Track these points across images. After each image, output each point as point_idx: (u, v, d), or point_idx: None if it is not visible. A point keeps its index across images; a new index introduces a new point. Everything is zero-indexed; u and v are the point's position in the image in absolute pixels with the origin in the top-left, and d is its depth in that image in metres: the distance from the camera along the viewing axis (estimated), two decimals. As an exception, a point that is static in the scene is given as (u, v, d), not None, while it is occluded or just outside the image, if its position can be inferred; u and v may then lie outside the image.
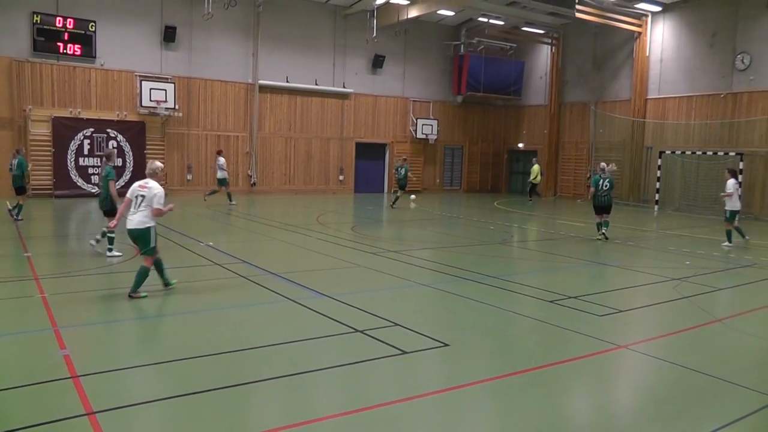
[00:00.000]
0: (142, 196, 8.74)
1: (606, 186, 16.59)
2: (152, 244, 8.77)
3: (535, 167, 29.81)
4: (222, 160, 22.72)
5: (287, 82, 28.37)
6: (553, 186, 32.82)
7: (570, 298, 9.53)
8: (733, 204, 15.87)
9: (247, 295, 9.23)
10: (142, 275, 8.69)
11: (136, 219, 8.72)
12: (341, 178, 30.48)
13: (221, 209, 21.30)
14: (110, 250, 11.81)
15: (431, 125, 32.37)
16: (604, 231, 16.53)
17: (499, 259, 13.40)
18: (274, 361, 6.47)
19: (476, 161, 35.26)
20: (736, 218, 15.99)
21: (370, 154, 31.59)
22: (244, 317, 8.09)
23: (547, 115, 32.98)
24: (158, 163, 9.06)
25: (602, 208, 16.63)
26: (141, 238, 8.73)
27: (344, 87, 30.01)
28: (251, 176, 27.76)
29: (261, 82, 27.56)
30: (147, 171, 9.02)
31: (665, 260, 13.90)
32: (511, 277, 11.14)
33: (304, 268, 11.62)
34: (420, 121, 32.07)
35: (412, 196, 26.27)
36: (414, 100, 32.43)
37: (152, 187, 8.77)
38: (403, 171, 24.64)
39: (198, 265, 11.41)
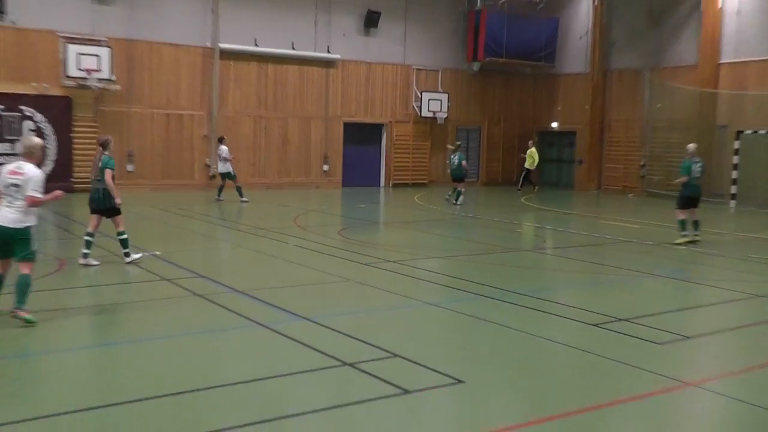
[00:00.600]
0: (15, 185, 8.41)
1: (698, 172, 17.04)
2: (33, 247, 8.56)
3: (532, 150, 31.22)
4: (224, 149, 23.45)
5: (256, 45, 28.33)
6: (596, 177, 32.83)
7: (619, 320, 9.45)
8: None
9: (205, 320, 9.14)
10: (26, 286, 8.46)
11: (10, 216, 8.39)
12: (325, 168, 30.46)
13: (172, 208, 21.22)
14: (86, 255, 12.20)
15: (440, 100, 32.40)
16: (697, 233, 16.77)
17: (527, 270, 13.32)
18: (240, 404, 6.38)
19: (497, 146, 35.25)
20: None
21: (362, 137, 31.58)
22: (202, 348, 7.99)
23: (588, 86, 33.01)
24: (36, 139, 8.77)
25: (694, 200, 17.04)
26: (18, 240, 8.47)
27: (329, 52, 29.98)
28: (210, 167, 27.70)
29: (223, 46, 27.53)
30: (21, 150, 8.72)
31: (745, 271, 13.83)
32: (543, 294, 11.07)
33: (278, 284, 11.53)
34: (426, 96, 32.08)
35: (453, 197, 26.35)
36: (418, 69, 32.41)
37: (27, 171, 8.45)
38: (456, 159, 24.78)
39: (140, 282, 11.32)
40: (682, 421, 6.53)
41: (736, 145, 26.79)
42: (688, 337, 8.89)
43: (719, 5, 28.19)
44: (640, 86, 31.18)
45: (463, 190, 24.85)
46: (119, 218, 12.38)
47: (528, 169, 31.15)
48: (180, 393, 6.53)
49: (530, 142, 31.83)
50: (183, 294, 10.38)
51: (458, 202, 24.35)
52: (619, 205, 25.40)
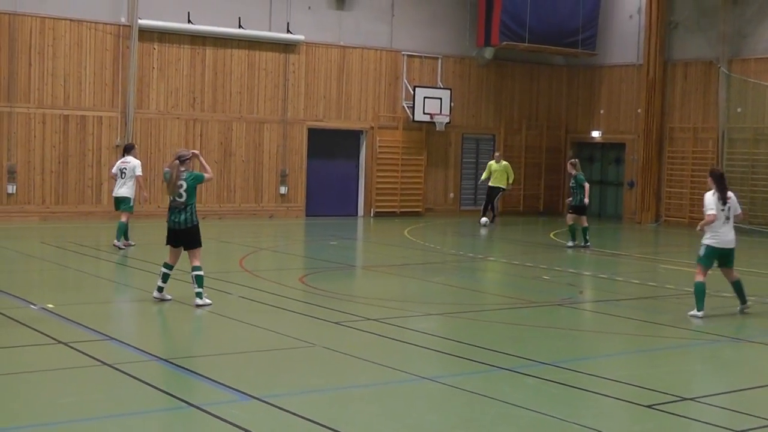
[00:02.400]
0: None
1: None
2: None
3: (495, 164, 30.48)
4: (135, 163, 21.31)
5: (189, 22, 28.46)
6: (653, 205, 32.97)
7: (684, 399, 9.52)
8: None
9: (114, 399, 9.07)
10: None
11: None
12: (283, 191, 30.48)
13: (70, 244, 21.16)
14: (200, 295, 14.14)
15: (440, 99, 32.56)
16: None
17: (557, 332, 13.35)
18: None
19: (518, 162, 35.36)
20: None
21: (334, 148, 31.70)
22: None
23: (641, 82, 33.31)
24: None
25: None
26: None
27: (289, 32, 30.16)
28: (124, 187, 27.67)
29: (143, 22, 27.63)
30: None
31: None
32: (578, 365, 11.12)
33: (216, 350, 11.49)
34: (421, 93, 32.24)
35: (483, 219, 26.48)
36: (410, 56, 32.64)
37: None
38: (573, 182, 24.50)
39: (25, 345, 11.25)
40: None
41: None
42: (776, 424, 8.97)
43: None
44: (714, 83, 31.48)
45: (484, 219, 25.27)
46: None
47: (494, 187, 30.25)
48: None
49: (496, 154, 31.53)
50: (84, 363, 10.34)
51: (588, 245, 24.17)
52: (684, 242, 25.48)
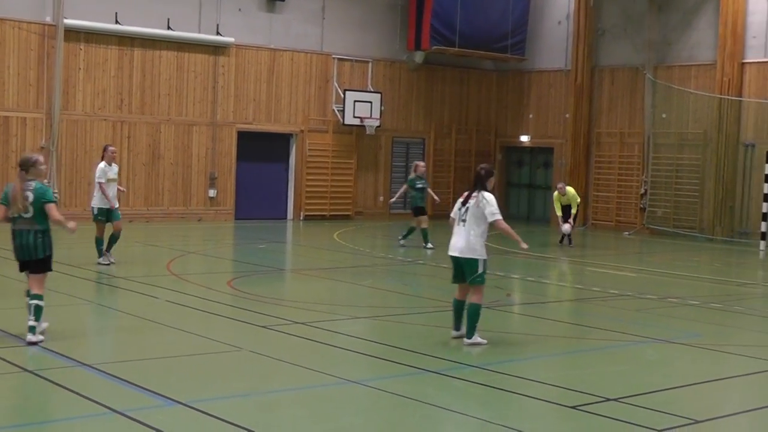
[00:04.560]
0: None
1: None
2: None
3: (559, 197, 26.57)
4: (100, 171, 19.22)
5: (116, 23, 28.18)
6: (582, 208, 33.19)
7: (608, 400, 9.60)
8: None
9: (38, 407, 8.99)
10: None
11: None
12: (212, 193, 30.31)
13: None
14: None
15: (370, 103, 32.60)
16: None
17: (485, 335, 13.38)
18: None
19: (448, 165, 35.54)
20: None
21: (263, 152, 31.61)
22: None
23: (569, 87, 33.63)
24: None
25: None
26: None
27: (219, 33, 30.00)
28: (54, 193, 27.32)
29: (69, 22, 27.29)
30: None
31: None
32: (506, 367, 11.18)
33: (141, 355, 11.41)
34: (351, 96, 32.26)
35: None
36: (341, 59, 32.63)
37: None
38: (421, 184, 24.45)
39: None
40: None
41: (767, 169, 27.29)
42: (698, 421, 9.04)
43: (743, -15, 29.11)
44: (640, 89, 31.88)
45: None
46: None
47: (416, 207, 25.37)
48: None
49: (560, 185, 26.99)
50: (8, 369, 10.19)
51: (428, 245, 23.98)
52: (611, 246, 25.78)
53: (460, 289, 12.27)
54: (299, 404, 9.42)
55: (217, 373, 10.53)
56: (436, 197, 25.45)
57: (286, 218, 32.13)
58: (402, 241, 24.28)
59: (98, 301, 15.11)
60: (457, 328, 12.31)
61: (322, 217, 31.98)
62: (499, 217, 11.94)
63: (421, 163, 25.34)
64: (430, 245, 23.77)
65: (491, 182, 12.32)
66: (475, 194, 12.05)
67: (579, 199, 26.58)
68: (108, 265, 18.59)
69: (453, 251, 12.14)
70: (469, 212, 11.97)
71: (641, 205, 31.26)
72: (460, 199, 12.31)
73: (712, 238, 28.98)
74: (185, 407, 8.89)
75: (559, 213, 26.12)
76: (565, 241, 25.58)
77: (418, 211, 24.05)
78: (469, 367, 10.91)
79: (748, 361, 12.04)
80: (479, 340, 12.01)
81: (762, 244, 27.10)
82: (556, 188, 26.55)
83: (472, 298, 12.03)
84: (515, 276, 20.38)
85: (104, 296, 15.58)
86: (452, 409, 9.20)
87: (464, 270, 12.08)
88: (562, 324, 14.81)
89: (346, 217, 32.40)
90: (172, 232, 26.52)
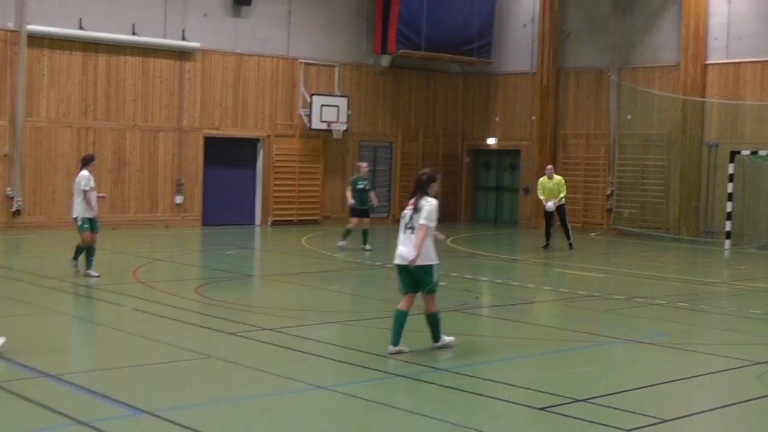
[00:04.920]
0: None
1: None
2: None
3: (547, 181, 26.34)
4: (85, 175, 18.47)
5: (81, 28, 28.03)
6: (548, 209, 33.40)
7: (577, 401, 9.62)
8: None
9: (2, 419, 8.88)
10: None
11: None
12: (179, 200, 30.20)
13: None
14: None
15: (337, 107, 32.57)
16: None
17: (455, 337, 13.42)
18: None
19: (415, 169, 35.42)
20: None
21: (230, 157, 31.53)
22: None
23: (535, 90, 33.78)
24: None
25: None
26: None
27: (184, 39, 29.91)
28: (13, 198, 27.18)
29: (32, 28, 27.13)
30: None
31: (744, 332, 14.29)
32: (475, 369, 11.20)
33: (108, 365, 11.34)
34: (318, 100, 32.21)
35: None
36: (307, 64, 32.59)
37: None
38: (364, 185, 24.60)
39: None
40: None
41: (731, 169, 27.59)
42: (666, 420, 9.10)
43: (706, -11, 29.31)
44: (605, 91, 32.03)
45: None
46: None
47: (358, 209, 24.92)
48: None
49: (549, 167, 27.09)
50: (-29, 381, 10.12)
51: (367, 246, 24.29)
52: (578, 247, 25.85)
53: (406, 299, 11.66)
54: (267, 411, 9.38)
55: (185, 381, 10.49)
56: (375, 201, 25.28)
57: (253, 224, 32.06)
58: (341, 243, 24.37)
59: (64, 311, 15.00)
60: (396, 343, 11.55)
61: (290, 222, 31.89)
62: (425, 223, 11.31)
63: (364, 164, 25.64)
64: (368, 246, 24.06)
65: (434, 188, 11.79)
66: (421, 200, 11.56)
67: (565, 190, 26.09)
68: (98, 276, 17.87)
69: (400, 260, 11.56)
70: (415, 219, 11.46)
71: (608, 206, 31.42)
72: (407, 206, 11.79)
73: (678, 238, 29.16)
74: (151, 416, 8.84)
75: (542, 197, 25.94)
76: (551, 245, 25.49)
77: (356, 213, 24.30)
78: (438, 371, 10.92)
79: (715, 360, 12.11)
80: (447, 339, 11.85)
81: (727, 243, 27.29)
82: (545, 172, 26.56)
83: (429, 309, 11.61)
84: (483, 278, 20.45)
85: (70, 305, 15.47)
86: (421, 413, 9.19)
87: (417, 278, 11.51)
88: (531, 326, 14.85)
89: (314, 222, 32.36)
90: (138, 239, 26.39)
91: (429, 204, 11.50)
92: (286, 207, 32.24)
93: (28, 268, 20.24)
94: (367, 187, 24.57)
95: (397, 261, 11.62)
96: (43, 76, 27.73)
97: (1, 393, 9.64)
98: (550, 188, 25.65)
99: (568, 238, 25.46)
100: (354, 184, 24.59)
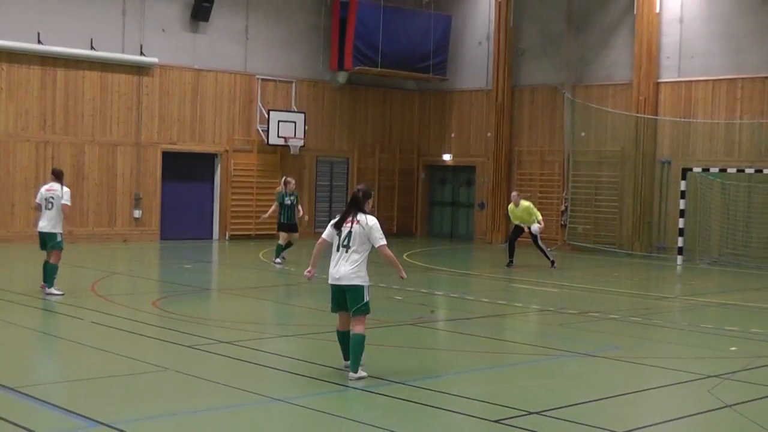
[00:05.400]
0: None
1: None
2: None
3: (514, 208, 25.64)
4: (66, 191, 17.84)
5: (39, 42, 27.87)
6: (504, 224, 33.48)
7: (531, 414, 9.66)
8: None
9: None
10: None
11: None
12: (137, 214, 30.06)
13: None
14: None
15: (294, 122, 32.58)
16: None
17: (409, 351, 13.45)
18: None
19: (372, 185, 35.57)
20: None
21: (188, 172, 31.45)
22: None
23: (490, 107, 33.95)
24: None
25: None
26: None
27: (142, 54, 29.81)
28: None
29: (-9, 42, 27.04)
30: None
31: (695, 345, 14.44)
32: (431, 382, 11.23)
33: (66, 377, 11.33)
34: (275, 116, 32.21)
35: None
36: (264, 79, 32.59)
37: None
38: (294, 199, 25.00)
39: None
40: None
41: (683, 186, 27.86)
42: (619, 435, 9.20)
43: (656, 9, 29.62)
44: (559, 108, 32.26)
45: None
46: None
47: (285, 224, 25.12)
48: None
49: (513, 194, 26.31)
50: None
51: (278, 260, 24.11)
52: (533, 262, 25.97)
53: (342, 318, 11.35)
54: (224, 423, 9.37)
55: (142, 394, 10.45)
56: (301, 213, 25.29)
57: (211, 238, 31.97)
58: (277, 260, 24.06)
59: (22, 323, 14.87)
60: (348, 357, 11.28)
61: (248, 237, 31.83)
62: (384, 242, 11.08)
63: (291, 180, 25.46)
64: (278, 261, 23.89)
65: (369, 204, 11.39)
66: (356, 218, 11.09)
67: (538, 215, 25.17)
68: (62, 294, 17.29)
69: (335, 280, 11.13)
70: (352, 237, 10.99)
71: (562, 222, 31.59)
72: (335, 222, 11.27)
73: (631, 254, 29.37)
74: (108, 428, 8.79)
75: (516, 222, 25.35)
76: (516, 252, 25.36)
77: (285, 227, 24.36)
78: (393, 383, 10.92)
79: (666, 373, 12.23)
80: (363, 374, 11.00)
81: (679, 258, 27.54)
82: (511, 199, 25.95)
83: (356, 329, 11.02)
84: (439, 293, 20.48)
85: (28, 318, 15.34)
86: (376, 425, 9.20)
87: (347, 298, 11.07)
88: (486, 339, 14.89)
89: (272, 236, 32.18)
90: (97, 253, 26.22)
91: (374, 222, 11.13)
92: (244, 221, 32.16)
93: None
94: (294, 202, 24.73)
95: (330, 281, 11.22)
96: (0, 89, 27.53)
97: (-42, 406, 9.60)
98: (520, 215, 25.14)
99: (548, 257, 25.13)
100: (281, 200, 24.60)
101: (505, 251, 25.93)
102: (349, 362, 11.21)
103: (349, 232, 11.00)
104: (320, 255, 11.54)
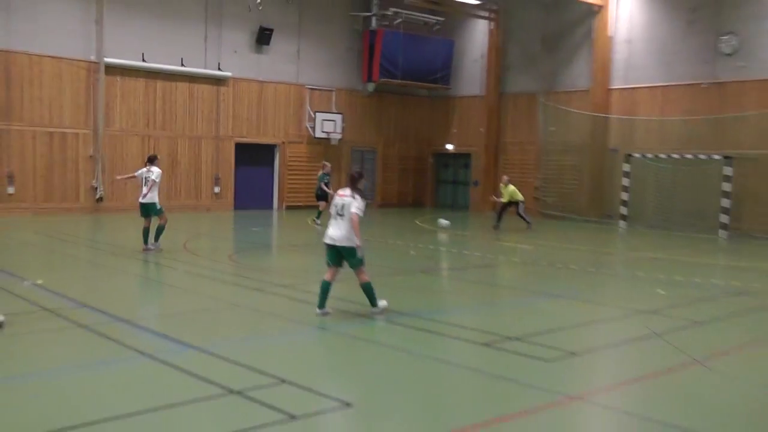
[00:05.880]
0: None
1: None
2: None
3: (503, 187, 25.94)
4: (156, 171, 17.65)
5: (143, 60, 27.94)
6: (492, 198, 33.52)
7: (510, 339, 9.73)
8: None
9: (87, 352, 8.95)
10: None
11: None
12: (217, 190, 30.20)
13: (56, 233, 20.66)
14: None
15: (334, 121, 32.58)
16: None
17: (420, 292, 13.53)
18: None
19: (393, 167, 35.66)
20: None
21: (254, 158, 31.47)
22: (83, 383, 7.83)
23: (483, 108, 33.81)
24: None
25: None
26: None
27: (220, 69, 29.83)
28: (96, 188, 27.13)
29: (108, 60, 27.04)
30: None
31: (633, 289, 14.48)
32: (436, 315, 11.31)
33: (165, 312, 11.49)
34: (320, 116, 32.21)
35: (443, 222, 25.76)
36: (312, 88, 32.55)
37: None
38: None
39: (19, 313, 10.95)
40: (567, 438, 6.80)
41: (626, 167, 27.76)
42: (576, 354, 9.23)
43: (609, 33, 29.34)
44: (535, 110, 32.08)
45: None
46: None
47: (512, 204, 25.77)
48: (67, 430, 6.38)
49: (505, 177, 26.58)
50: (65, 325, 10.13)
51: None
52: (513, 226, 25.96)
53: (330, 271, 10.96)
54: (282, 345, 9.48)
55: (220, 324, 10.58)
56: (331, 189, 25.10)
57: (272, 208, 32.05)
58: (318, 221, 24.81)
59: (133, 272, 15.05)
60: (321, 306, 10.88)
61: (299, 207, 31.90)
62: (357, 212, 10.54)
63: (327, 164, 26.44)
64: (318, 221, 24.77)
65: (362, 183, 11.01)
66: (350, 193, 10.76)
67: (520, 196, 25.56)
68: (161, 249, 17.32)
69: (329, 240, 10.77)
70: (345, 208, 10.64)
71: (535, 196, 31.48)
72: (338, 196, 10.90)
73: (587, 220, 29.29)
74: (196, 350, 8.92)
75: (502, 199, 25.58)
76: (500, 226, 25.29)
77: (322, 197, 25.23)
78: (409, 316, 10.99)
79: (612, 310, 12.30)
80: (382, 303, 11.01)
81: (622, 223, 27.48)
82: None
83: (361, 279, 10.86)
84: (442, 248, 20.52)
85: (138, 268, 15.51)
86: (392, 346, 9.31)
87: (343, 256, 10.79)
88: (477, 284, 14.95)
89: (317, 207, 32.27)
90: (187, 219, 26.25)
91: (359, 200, 10.72)
92: (297, 195, 32.21)
93: (107, 241, 20.23)
94: (327, 181, 25.63)
95: (326, 240, 10.86)
96: (116, 96, 27.62)
97: (89, 333, 9.71)
98: (508, 193, 25.46)
99: (526, 221, 25.45)
100: (322, 179, 25.52)
101: (494, 217, 25.99)
102: (321, 311, 10.83)
103: (342, 205, 10.69)
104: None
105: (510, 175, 30.63)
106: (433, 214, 31.09)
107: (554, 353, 9.13)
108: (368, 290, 10.87)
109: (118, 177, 20.97)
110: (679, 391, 7.95)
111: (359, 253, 10.71)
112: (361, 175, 11.18)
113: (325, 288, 10.93)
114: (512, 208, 25.53)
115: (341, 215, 10.69)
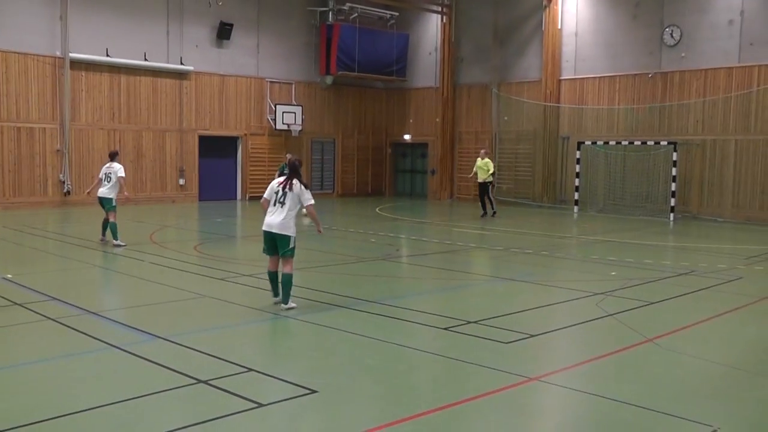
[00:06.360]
0: None
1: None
2: None
3: (480, 161, 25.65)
4: (118, 167, 17.45)
5: (107, 56, 27.53)
6: (449, 186, 33.62)
7: (470, 323, 9.76)
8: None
9: (56, 345, 8.84)
10: None
11: None
12: (182, 182, 29.92)
13: (24, 227, 20.33)
14: None
15: (294, 113, 32.40)
16: None
17: (381, 279, 13.53)
18: (93, 430, 6.23)
19: (352, 158, 35.58)
20: None
21: (217, 150, 31.21)
22: (53, 375, 7.73)
23: (438, 99, 33.83)
24: None
25: None
26: None
27: (182, 63, 29.50)
28: (64, 182, 26.72)
29: (73, 55, 26.59)
30: None
31: (586, 271, 14.57)
32: (397, 301, 11.29)
33: (132, 303, 11.34)
34: (280, 108, 32.02)
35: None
36: (272, 81, 32.35)
37: None
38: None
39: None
40: (529, 413, 6.85)
41: (578, 155, 28.04)
42: (533, 335, 9.28)
43: (558, 26, 29.55)
44: (488, 100, 32.20)
45: None
46: None
47: (486, 185, 25.53)
48: (31, 424, 6.28)
49: (482, 150, 26.52)
50: (34, 318, 9.95)
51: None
52: (470, 213, 26.09)
53: (272, 261, 10.75)
54: (246, 334, 9.44)
55: (186, 314, 10.47)
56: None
57: (236, 198, 31.84)
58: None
59: (98, 264, 14.87)
60: (276, 294, 10.80)
61: (261, 197, 31.57)
62: (312, 202, 10.54)
63: (289, 155, 25.28)
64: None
65: (302, 171, 10.94)
66: (292, 182, 10.53)
67: (489, 170, 25.27)
68: (124, 246, 16.82)
69: (268, 227, 10.58)
70: (287, 196, 10.43)
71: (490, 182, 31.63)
72: (276, 184, 10.66)
73: (541, 205, 29.53)
74: (163, 340, 8.85)
75: (477, 174, 25.43)
76: (489, 213, 25.18)
77: None
78: (370, 302, 10.99)
79: (567, 292, 12.35)
80: (293, 305, 10.51)
81: (575, 208, 27.73)
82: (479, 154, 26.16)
83: (285, 269, 10.53)
84: (402, 236, 20.54)
85: (103, 260, 15.31)
86: (358, 333, 9.28)
87: (277, 244, 10.55)
88: (436, 269, 14.98)
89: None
90: (152, 211, 26.02)
91: (306, 187, 10.61)
92: (259, 186, 31.92)
93: (75, 234, 19.95)
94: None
95: (264, 228, 10.65)
96: (81, 91, 27.20)
97: (58, 326, 9.57)
98: (480, 166, 25.23)
99: (492, 207, 25.20)
100: (282, 170, 24.55)
101: (451, 206, 26.05)
102: (277, 298, 10.73)
103: (285, 193, 10.49)
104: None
105: (466, 163, 30.79)
106: (392, 203, 31.14)
107: (512, 335, 9.17)
108: (288, 283, 10.51)
109: (88, 191, 20.06)
110: (631, 369, 8.04)
111: (291, 243, 10.51)
112: (301, 163, 11.03)
113: (273, 278, 10.80)
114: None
115: (282, 203, 10.48)
